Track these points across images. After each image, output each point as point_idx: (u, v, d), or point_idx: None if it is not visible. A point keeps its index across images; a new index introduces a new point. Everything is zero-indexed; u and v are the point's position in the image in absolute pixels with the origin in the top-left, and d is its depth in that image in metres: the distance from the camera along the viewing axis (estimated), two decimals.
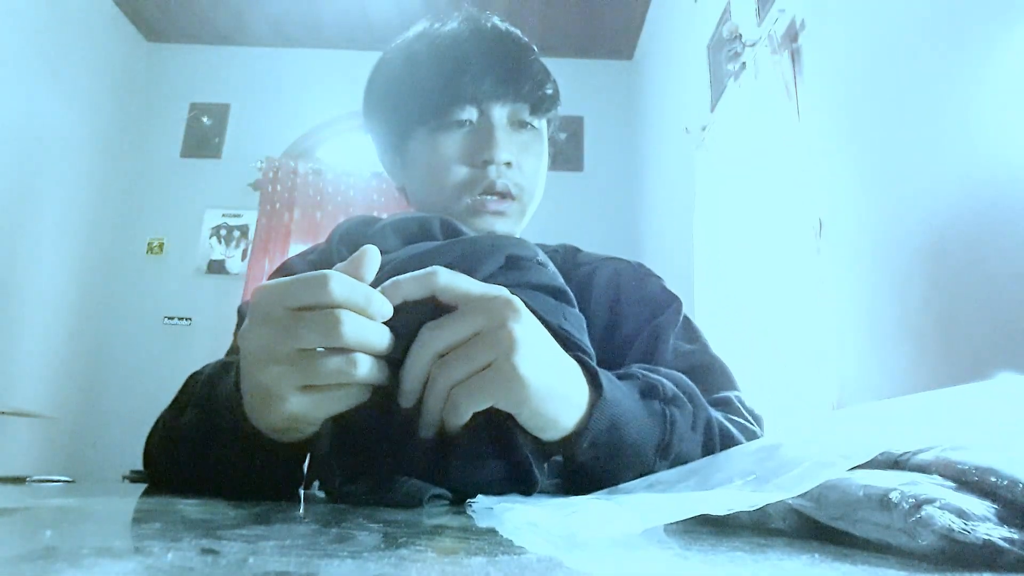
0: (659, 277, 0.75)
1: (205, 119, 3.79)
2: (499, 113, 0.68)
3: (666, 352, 0.62)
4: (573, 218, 3.25)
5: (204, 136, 3.76)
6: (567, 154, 3.75)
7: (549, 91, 0.71)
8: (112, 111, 3.58)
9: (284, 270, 0.73)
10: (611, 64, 3.91)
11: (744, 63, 2.04)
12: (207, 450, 0.44)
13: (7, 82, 2.90)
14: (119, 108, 3.63)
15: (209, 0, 3.56)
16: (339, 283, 0.36)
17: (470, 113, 0.68)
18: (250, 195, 3.61)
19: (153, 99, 3.79)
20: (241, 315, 0.70)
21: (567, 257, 0.76)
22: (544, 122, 0.74)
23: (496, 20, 0.72)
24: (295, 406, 0.37)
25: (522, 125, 0.70)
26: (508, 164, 0.68)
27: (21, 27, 2.97)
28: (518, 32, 0.73)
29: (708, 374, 0.61)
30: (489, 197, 0.68)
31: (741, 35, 2.05)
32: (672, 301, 0.69)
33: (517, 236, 0.70)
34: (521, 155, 0.69)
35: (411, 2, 3.45)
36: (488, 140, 0.67)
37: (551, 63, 0.75)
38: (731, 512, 0.25)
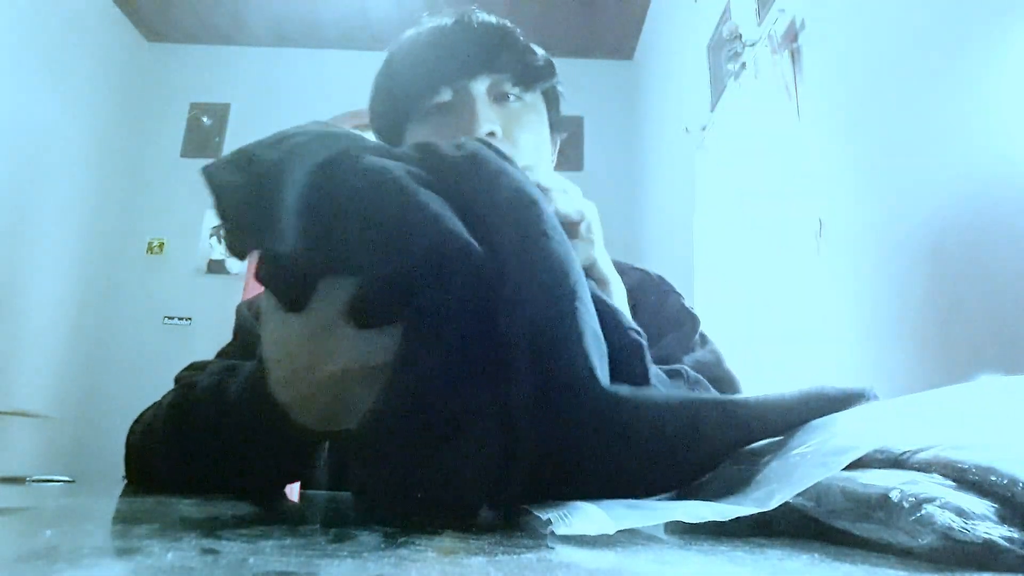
0: (680, 294, 0.75)
1: (205, 119, 3.79)
2: (476, 87, 0.65)
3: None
4: None
5: (204, 136, 3.76)
6: (567, 154, 3.74)
7: (537, 63, 0.68)
8: (112, 111, 3.58)
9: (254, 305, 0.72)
10: (611, 64, 3.91)
11: (744, 63, 2.04)
12: (224, 438, 0.42)
13: (7, 82, 2.90)
14: (119, 108, 3.62)
15: (209, 0, 3.56)
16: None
17: (447, 94, 0.66)
18: None
19: (153, 99, 3.79)
20: (239, 315, 0.70)
21: None
22: (538, 96, 0.70)
23: (483, 14, 0.69)
24: None
25: (506, 97, 0.67)
26: (492, 135, 0.63)
27: (21, 27, 2.96)
28: (506, 22, 0.70)
29: (717, 384, 0.61)
30: None
31: (741, 35, 2.05)
32: (688, 320, 0.69)
33: None
34: (510, 126, 0.66)
35: (411, 2, 3.45)
36: (466, 114, 0.64)
37: None
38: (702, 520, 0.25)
